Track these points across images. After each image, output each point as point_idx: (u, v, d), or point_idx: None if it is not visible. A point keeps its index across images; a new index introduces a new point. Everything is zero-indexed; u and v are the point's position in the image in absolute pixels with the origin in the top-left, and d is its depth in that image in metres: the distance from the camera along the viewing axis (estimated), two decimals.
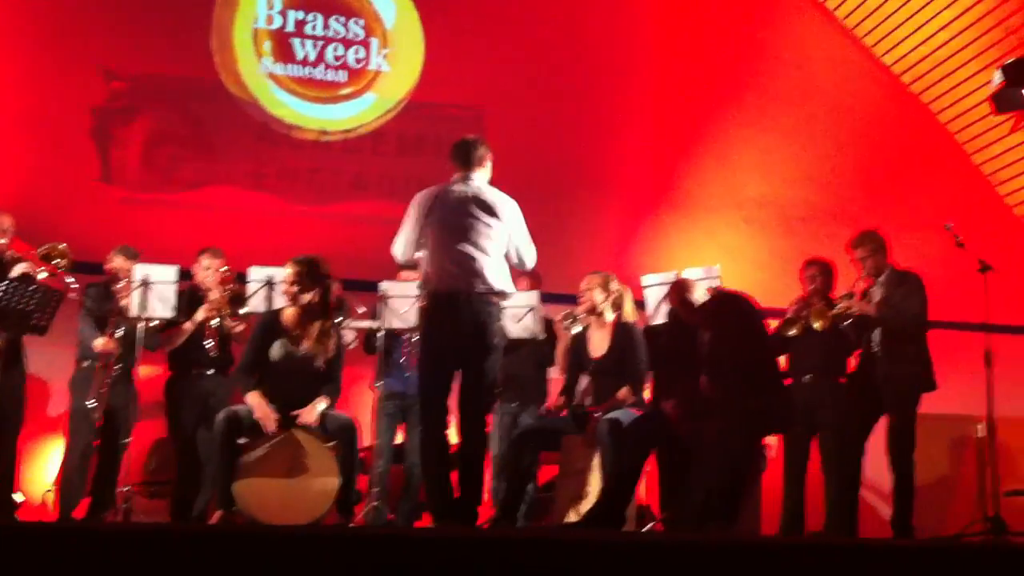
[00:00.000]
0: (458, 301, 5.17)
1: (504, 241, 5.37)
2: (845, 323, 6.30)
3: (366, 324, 6.74)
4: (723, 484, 5.04)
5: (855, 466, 6.22)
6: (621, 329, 6.14)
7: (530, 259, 5.53)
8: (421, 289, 5.44)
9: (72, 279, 6.13)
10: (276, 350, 5.83)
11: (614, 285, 6.24)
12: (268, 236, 8.04)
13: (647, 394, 6.23)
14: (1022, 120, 8.53)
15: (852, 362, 6.45)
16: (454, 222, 5.28)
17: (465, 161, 5.46)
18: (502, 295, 5.32)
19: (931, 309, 6.32)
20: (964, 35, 9.07)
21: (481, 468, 5.30)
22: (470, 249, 5.23)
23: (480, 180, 5.45)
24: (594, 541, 3.44)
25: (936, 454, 7.35)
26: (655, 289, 6.58)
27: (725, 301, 5.41)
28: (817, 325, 6.23)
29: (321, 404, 5.76)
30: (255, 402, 5.68)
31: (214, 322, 6.46)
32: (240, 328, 6.51)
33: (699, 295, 5.56)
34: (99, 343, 6.31)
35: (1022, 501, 6.81)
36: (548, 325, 6.75)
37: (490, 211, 5.34)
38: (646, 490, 6.65)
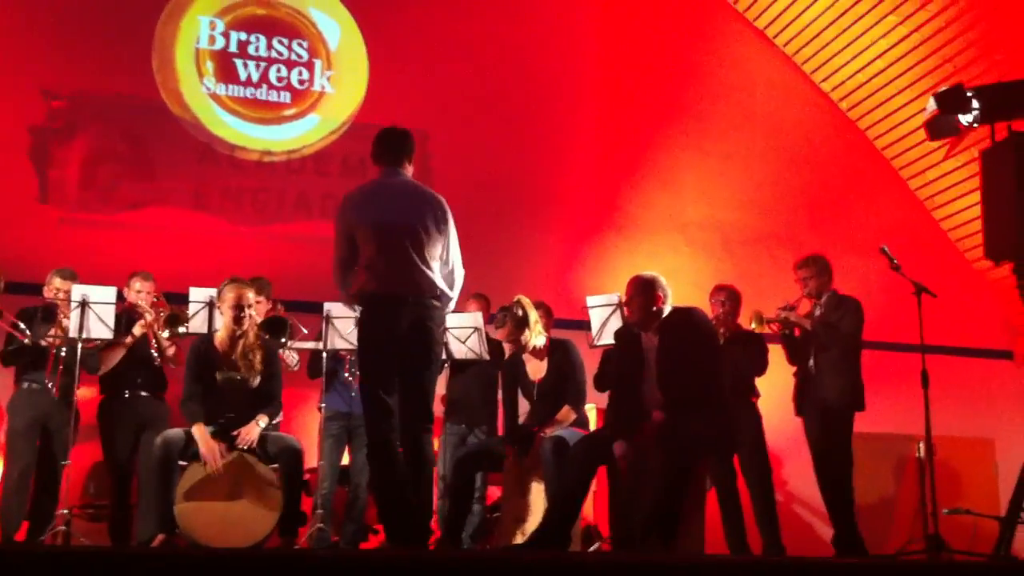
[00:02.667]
0: (398, 305, 4.84)
1: (442, 242, 5.05)
2: (785, 331, 6.57)
3: (310, 345, 6.70)
4: (659, 506, 5.02)
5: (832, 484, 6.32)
6: (557, 350, 6.12)
7: (461, 274, 5.17)
8: (357, 294, 5.00)
9: (22, 325, 6.05)
10: (212, 372, 5.81)
11: (520, 312, 6.09)
12: (210, 257, 7.96)
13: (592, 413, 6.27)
14: (956, 146, 8.72)
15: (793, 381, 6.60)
16: (391, 222, 4.91)
17: (397, 154, 5.08)
18: (443, 299, 5.01)
19: (869, 330, 6.47)
20: (900, 63, 9.26)
21: (430, 482, 5.07)
22: (410, 252, 4.88)
23: (409, 175, 5.11)
24: (538, 562, 3.43)
25: (876, 473, 7.45)
26: (599, 310, 6.60)
27: (681, 314, 5.39)
28: (754, 326, 6.53)
29: (261, 422, 5.74)
30: (200, 436, 5.63)
31: (158, 335, 6.41)
32: (172, 350, 6.46)
33: (661, 293, 5.34)
34: (48, 339, 6.22)
35: (961, 519, 6.91)
36: (495, 346, 6.74)
37: (431, 209, 5.01)
38: (594, 510, 6.65)
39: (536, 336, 6.11)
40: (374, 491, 5.34)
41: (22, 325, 6.10)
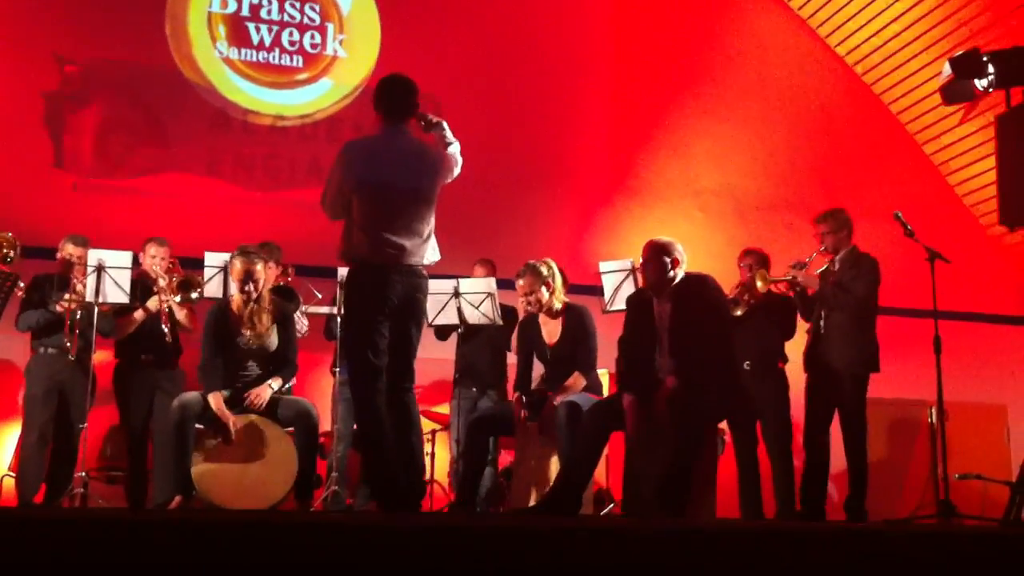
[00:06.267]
0: (392, 272, 4.75)
1: (436, 195, 4.92)
2: (794, 291, 6.50)
3: (324, 310, 6.74)
4: (670, 472, 5.05)
5: (818, 450, 6.32)
6: (572, 315, 6.12)
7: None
8: (345, 257, 4.91)
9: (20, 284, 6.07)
10: (229, 338, 5.83)
11: (544, 270, 6.11)
12: (222, 223, 8.00)
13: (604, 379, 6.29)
14: (971, 111, 8.67)
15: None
16: (396, 188, 4.77)
17: (405, 110, 4.88)
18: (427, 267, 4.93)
19: (882, 296, 6.43)
20: (915, 27, 9.20)
21: (420, 443, 5.00)
22: (407, 221, 4.77)
23: (408, 130, 4.91)
24: (550, 526, 3.45)
25: (888, 438, 7.47)
26: (612, 276, 6.62)
27: (694, 281, 5.40)
28: (760, 285, 6.38)
29: (274, 383, 5.77)
30: (216, 406, 5.67)
31: (165, 307, 6.43)
32: (183, 313, 6.48)
33: (678, 257, 5.36)
34: (63, 304, 6.23)
35: (972, 485, 6.94)
36: (507, 311, 6.77)
37: (435, 172, 4.90)
38: (607, 474, 6.69)
39: (557, 299, 6.13)
40: (361, 451, 5.37)
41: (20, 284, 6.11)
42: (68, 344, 6.20)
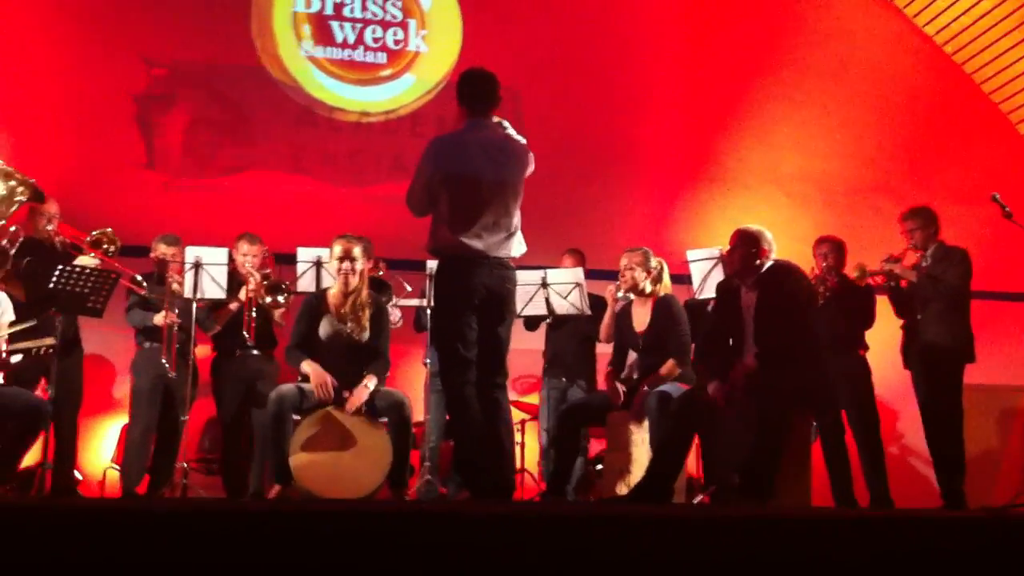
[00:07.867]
0: (477, 266, 4.74)
1: (522, 187, 4.91)
2: (890, 284, 6.48)
3: (414, 302, 6.81)
4: (757, 460, 5.02)
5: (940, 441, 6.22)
6: (662, 303, 6.14)
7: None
8: (434, 251, 4.91)
9: (140, 278, 6.22)
10: (323, 328, 5.90)
11: (653, 262, 6.20)
12: (309, 219, 8.11)
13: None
14: None
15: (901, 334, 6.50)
16: (478, 182, 4.75)
17: (490, 103, 4.88)
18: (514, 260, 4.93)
19: (978, 280, 6.33)
20: (1007, 3, 8.98)
21: (510, 435, 5.01)
22: (494, 214, 4.76)
23: (495, 123, 4.91)
24: (641, 515, 3.46)
25: (985, 425, 7.33)
26: (700, 264, 6.59)
27: (780, 269, 5.37)
28: (857, 276, 6.37)
29: (371, 383, 5.81)
30: (311, 369, 5.73)
31: (260, 301, 6.54)
32: (280, 312, 6.58)
33: (765, 247, 5.36)
34: (159, 318, 6.38)
35: None
36: (594, 301, 6.78)
37: (522, 166, 4.89)
38: (696, 462, 6.67)
39: (661, 287, 6.19)
40: (454, 443, 5.42)
41: (139, 277, 6.26)
42: (166, 364, 6.33)
